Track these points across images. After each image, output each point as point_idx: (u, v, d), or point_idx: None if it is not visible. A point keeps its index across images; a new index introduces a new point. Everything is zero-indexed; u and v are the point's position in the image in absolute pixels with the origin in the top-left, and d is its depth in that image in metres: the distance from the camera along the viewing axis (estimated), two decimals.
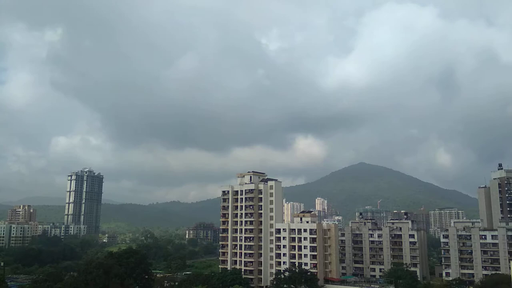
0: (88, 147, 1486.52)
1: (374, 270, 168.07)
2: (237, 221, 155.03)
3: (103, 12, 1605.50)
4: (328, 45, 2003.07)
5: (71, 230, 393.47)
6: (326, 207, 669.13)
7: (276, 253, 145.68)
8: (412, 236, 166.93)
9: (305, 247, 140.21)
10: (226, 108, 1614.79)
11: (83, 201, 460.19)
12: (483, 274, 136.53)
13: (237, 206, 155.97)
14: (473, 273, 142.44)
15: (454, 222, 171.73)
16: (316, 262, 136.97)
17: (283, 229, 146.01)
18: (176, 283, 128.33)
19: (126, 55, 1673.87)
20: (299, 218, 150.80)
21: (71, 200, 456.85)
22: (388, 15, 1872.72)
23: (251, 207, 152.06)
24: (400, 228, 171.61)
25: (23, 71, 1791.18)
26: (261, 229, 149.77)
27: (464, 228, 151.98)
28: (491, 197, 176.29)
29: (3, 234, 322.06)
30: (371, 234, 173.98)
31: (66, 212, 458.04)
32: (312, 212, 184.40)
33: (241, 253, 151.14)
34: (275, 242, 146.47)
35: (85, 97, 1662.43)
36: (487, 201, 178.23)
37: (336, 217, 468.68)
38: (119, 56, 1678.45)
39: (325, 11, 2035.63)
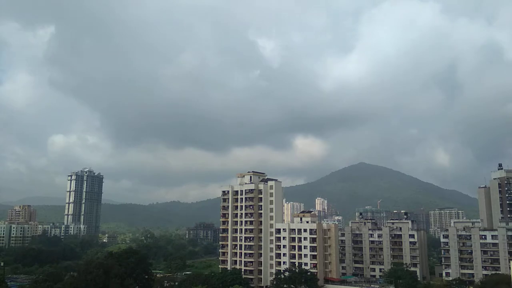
0: (88, 147, 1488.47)
1: (374, 270, 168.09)
2: (237, 221, 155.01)
3: (101, 11, 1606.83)
4: (328, 44, 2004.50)
5: (71, 230, 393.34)
6: (326, 207, 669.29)
7: (276, 253, 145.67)
8: (412, 236, 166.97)
9: (305, 247, 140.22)
10: (226, 108, 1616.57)
11: (83, 201, 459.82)
12: (483, 274, 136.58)
13: (237, 206, 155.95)
14: (473, 273, 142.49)
15: (454, 222, 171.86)
16: (316, 262, 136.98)
17: (283, 229, 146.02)
18: (176, 283, 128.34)
19: (124, 55, 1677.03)
20: (299, 218, 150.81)
21: (71, 200, 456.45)
22: (388, 13, 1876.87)
23: (251, 207, 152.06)
24: (400, 228, 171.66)
25: (22, 71, 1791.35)
26: (261, 229, 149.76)
27: (464, 228, 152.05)
28: (491, 197, 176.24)
29: (3, 234, 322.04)
30: (371, 234, 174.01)
31: (66, 212, 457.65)
32: (312, 212, 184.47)
33: (241, 253, 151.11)
34: (275, 242, 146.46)
35: (84, 96, 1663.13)
36: (487, 201, 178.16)
37: (336, 217, 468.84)
38: (118, 55, 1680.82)
39: (324, 10, 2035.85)
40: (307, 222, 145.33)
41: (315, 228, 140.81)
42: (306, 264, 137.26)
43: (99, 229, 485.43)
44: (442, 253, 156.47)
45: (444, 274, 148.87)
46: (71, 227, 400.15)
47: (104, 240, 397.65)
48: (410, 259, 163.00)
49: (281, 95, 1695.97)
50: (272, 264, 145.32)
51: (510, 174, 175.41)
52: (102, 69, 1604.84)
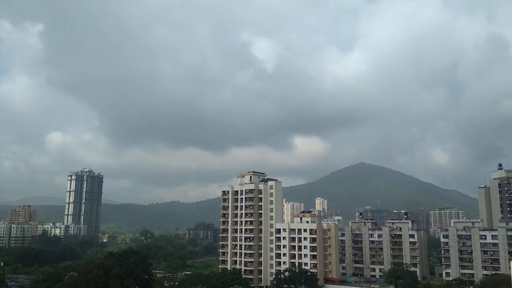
0: (88, 147, 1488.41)
1: (374, 270, 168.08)
2: (237, 221, 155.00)
3: (100, 11, 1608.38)
4: (328, 44, 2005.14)
5: (71, 230, 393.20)
6: (326, 207, 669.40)
7: (276, 253, 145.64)
8: (412, 236, 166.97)
9: (305, 247, 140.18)
10: (226, 108, 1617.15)
11: (83, 201, 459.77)
12: (483, 274, 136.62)
13: (237, 206, 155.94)
14: (473, 273, 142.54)
15: (454, 222, 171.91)
16: (316, 262, 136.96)
17: (283, 229, 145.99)
18: (176, 283, 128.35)
19: (124, 54, 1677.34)
20: (299, 218, 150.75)
21: (71, 200, 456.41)
22: (388, 12, 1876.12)
23: (251, 207, 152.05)
24: (400, 228, 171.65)
25: (21, 71, 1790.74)
26: (261, 229, 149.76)
27: (464, 228, 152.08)
28: (491, 197, 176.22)
29: (3, 234, 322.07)
30: (371, 234, 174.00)
31: (66, 212, 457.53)
32: (312, 212, 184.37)
33: (241, 253, 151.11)
34: (275, 242, 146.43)
35: (83, 96, 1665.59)
36: (487, 201, 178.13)
37: (336, 217, 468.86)
38: (117, 55, 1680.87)
39: (324, 9, 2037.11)
40: (307, 222, 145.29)
41: (315, 228, 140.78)
42: (306, 264, 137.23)
43: (99, 229, 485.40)
44: (442, 253, 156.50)
45: (444, 274, 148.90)
46: (71, 227, 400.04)
47: (104, 240, 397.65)
48: (410, 259, 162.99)
49: (281, 95, 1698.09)
50: (272, 264, 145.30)
51: (510, 174, 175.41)
52: (101, 69, 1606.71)
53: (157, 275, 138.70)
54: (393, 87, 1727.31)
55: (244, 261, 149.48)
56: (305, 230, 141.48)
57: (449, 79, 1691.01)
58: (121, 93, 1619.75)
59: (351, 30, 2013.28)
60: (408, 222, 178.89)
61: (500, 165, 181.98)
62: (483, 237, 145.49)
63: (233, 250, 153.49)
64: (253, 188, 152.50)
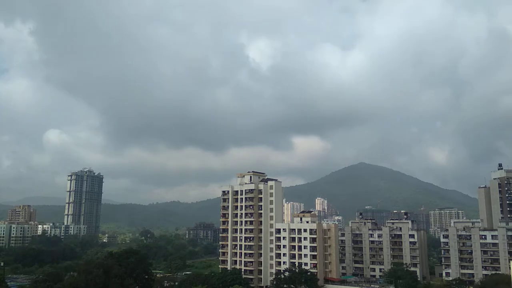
0: (88, 147, 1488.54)
1: (374, 270, 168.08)
2: (237, 221, 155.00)
3: (97, 12, 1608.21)
4: (328, 43, 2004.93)
5: (71, 230, 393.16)
6: (326, 207, 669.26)
7: (276, 253, 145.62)
8: (412, 236, 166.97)
9: (305, 247, 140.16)
10: (226, 107, 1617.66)
11: (83, 201, 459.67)
12: (483, 274, 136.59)
13: (237, 206, 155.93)
14: (473, 273, 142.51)
15: (454, 222, 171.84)
16: (316, 262, 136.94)
17: (283, 229, 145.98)
18: (176, 283, 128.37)
19: (124, 54, 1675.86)
20: (299, 218, 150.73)
21: (71, 200, 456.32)
22: (388, 11, 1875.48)
23: (251, 207, 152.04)
24: (400, 228, 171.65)
25: (20, 70, 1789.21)
26: (261, 229, 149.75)
27: (464, 228, 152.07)
28: (491, 197, 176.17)
29: (3, 234, 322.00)
30: (371, 234, 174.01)
31: (66, 212, 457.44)
32: (312, 212, 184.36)
33: (241, 253, 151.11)
34: (275, 242, 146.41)
35: (83, 96, 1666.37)
36: (487, 201, 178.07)
37: (336, 217, 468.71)
38: (117, 55, 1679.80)
39: (324, 9, 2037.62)
40: (307, 222, 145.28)
41: (315, 228, 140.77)
42: (306, 264, 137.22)
43: (99, 229, 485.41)
44: (442, 253, 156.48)
45: (444, 274, 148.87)
46: (71, 227, 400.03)
47: (104, 240, 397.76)
48: (410, 259, 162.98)
49: (281, 95, 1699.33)
50: (272, 264, 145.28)
51: (510, 174, 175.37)
52: (101, 69, 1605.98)
53: (157, 275, 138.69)
54: (393, 87, 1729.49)
55: (244, 261, 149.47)
56: (305, 230, 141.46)
57: (449, 79, 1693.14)
58: (121, 93, 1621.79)
59: (351, 29, 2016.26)
60: (408, 222, 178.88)
61: (500, 165, 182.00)
62: (483, 237, 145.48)
63: (233, 250, 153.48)
64: (253, 188, 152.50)
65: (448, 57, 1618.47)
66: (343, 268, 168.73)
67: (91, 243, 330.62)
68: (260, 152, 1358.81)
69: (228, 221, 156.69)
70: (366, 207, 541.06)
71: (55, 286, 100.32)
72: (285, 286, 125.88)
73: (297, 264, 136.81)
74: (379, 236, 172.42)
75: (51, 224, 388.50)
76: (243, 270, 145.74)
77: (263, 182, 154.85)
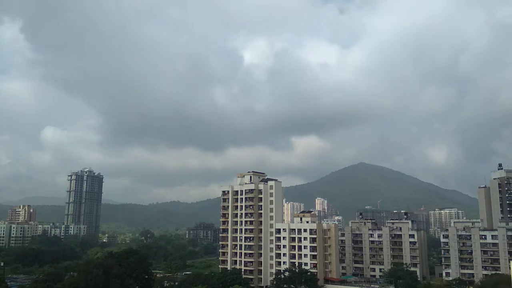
0: (88, 146, 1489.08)
1: (374, 270, 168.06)
2: (237, 221, 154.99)
3: (96, 11, 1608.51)
4: (328, 42, 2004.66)
5: (71, 230, 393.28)
6: (326, 207, 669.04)
7: (276, 253, 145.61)
8: (412, 236, 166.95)
9: (305, 247, 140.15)
10: (226, 107, 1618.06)
11: (83, 201, 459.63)
12: (483, 274, 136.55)
13: (237, 206, 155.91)
14: (473, 273, 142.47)
15: (454, 222, 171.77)
16: (316, 262, 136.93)
17: (283, 229, 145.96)
18: (176, 283, 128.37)
19: (124, 54, 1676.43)
20: (299, 218, 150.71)
21: (71, 200, 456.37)
22: (388, 10, 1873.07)
23: (251, 207, 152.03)
24: (400, 228, 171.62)
25: (19, 70, 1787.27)
26: (261, 229, 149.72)
27: (464, 228, 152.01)
28: (491, 197, 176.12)
29: (3, 234, 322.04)
30: (371, 234, 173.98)
31: (66, 212, 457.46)
32: (312, 212, 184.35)
33: (241, 253, 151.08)
34: (275, 242, 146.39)
35: (83, 96, 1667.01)
36: (487, 201, 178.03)
37: (336, 217, 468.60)
38: (117, 55, 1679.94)
39: (324, 8, 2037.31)
40: (307, 222, 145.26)
41: (315, 228, 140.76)
42: (306, 264, 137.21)
43: (99, 229, 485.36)
44: (442, 253, 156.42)
45: (444, 274, 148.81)
46: (71, 227, 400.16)
47: (104, 240, 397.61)
48: (410, 259, 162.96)
49: (281, 94, 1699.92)
50: (272, 264, 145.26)
51: (510, 174, 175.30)
52: (101, 68, 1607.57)
53: (157, 275, 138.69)
54: (393, 86, 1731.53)
55: (244, 261, 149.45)
56: (305, 230, 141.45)
57: (450, 76, 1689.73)
58: (120, 92, 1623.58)
59: (350, 27, 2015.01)
60: (408, 222, 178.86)
61: (500, 165, 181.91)
62: (483, 237, 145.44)
63: (233, 250, 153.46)
64: (253, 188, 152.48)
65: (449, 53, 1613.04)
66: (343, 268, 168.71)
67: (91, 243, 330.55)
68: (260, 152, 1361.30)
69: (228, 221, 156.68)
70: (366, 207, 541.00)
71: (55, 286, 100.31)
72: (285, 286, 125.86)
73: (297, 264, 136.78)
74: (379, 236, 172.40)
75: (51, 224, 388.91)
76: (243, 270, 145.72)
77: (263, 182, 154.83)
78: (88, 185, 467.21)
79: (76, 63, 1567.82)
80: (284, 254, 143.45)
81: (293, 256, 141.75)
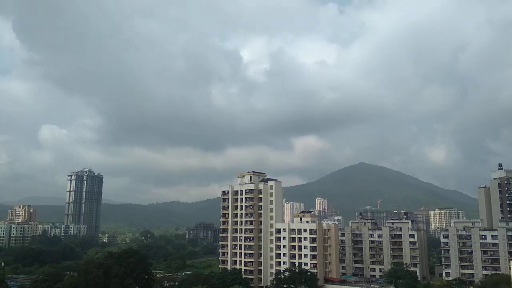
0: (87, 146, 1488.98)
1: (374, 270, 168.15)
2: (237, 221, 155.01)
3: (94, 11, 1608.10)
4: (327, 42, 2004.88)
5: (71, 230, 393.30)
6: (326, 207, 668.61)
7: (276, 253, 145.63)
8: (412, 236, 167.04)
9: (305, 247, 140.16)
10: (226, 107, 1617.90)
11: (83, 201, 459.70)
12: (483, 274, 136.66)
13: (237, 206, 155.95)
14: (473, 273, 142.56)
15: (454, 222, 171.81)
16: (316, 262, 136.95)
17: (283, 229, 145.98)
18: (176, 283, 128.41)
19: (124, 54, 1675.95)
20: (299, 218, 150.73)
21: (71, 200, 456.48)
22: (388, 9, 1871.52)
23: (251, 207, 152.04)
24: (400, 228, 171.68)
25: (19, 70, 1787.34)
26: (261, 229, 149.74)
27: (464, 228, 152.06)
28: (491, 197, 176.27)
29: (3, 234, 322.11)
30: (371, 234, 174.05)
31: (66, 212, 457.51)
32: (312, 212, 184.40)
33: (241, 253, 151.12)
34: (275, 242, 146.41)
35: (83, 95, 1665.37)
36: (487, 201, 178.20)
37: (336, 217, 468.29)
38: (117, 54, 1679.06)
39: (323, 7, 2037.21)
40: (307, 222, 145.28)
41: (315, 228, 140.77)
42: (306, 264, 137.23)
43: (99, 229, 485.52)
44: (442, 253, 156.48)
45: (444, 274, 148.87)
46: (71, 227, 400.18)
47: (104, 240, 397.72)
48: (410, 259, 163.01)
49: (280, 94, 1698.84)
50: (272, 264, 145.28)
51: (510, 174, 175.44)
52: (100, 67, 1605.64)
53: (157, 275, 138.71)
54: (393, 85, 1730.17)
55: (244, 261, 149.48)
56: (305, 230, 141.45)
57: (450, 77, 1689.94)
58: (120, 92, 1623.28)
59: (350, 25, 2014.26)
60: (408, 222, 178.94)
61: (500, 165, 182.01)
62: (483, 237, 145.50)
63: (233, 250, 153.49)
64: (253, 188, 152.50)
65: (449, 52, 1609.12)
66: (343, 268, 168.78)
67: (91, 243, 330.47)
68: (260, 152, 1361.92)
69: (228, 221, 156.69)
70: (366, 207, 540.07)
71: (55, 286, 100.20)
72: (285, 286, 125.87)
73: (297, 264, 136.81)
74: (379, 236, 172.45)
75: (51, 224, 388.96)
76: (243, 270, 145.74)
77: (263, 182, 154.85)
78: (88, 185, 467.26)
79: (75, 62, 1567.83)
80: (284, 254, 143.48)
81: (293, 256, 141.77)
